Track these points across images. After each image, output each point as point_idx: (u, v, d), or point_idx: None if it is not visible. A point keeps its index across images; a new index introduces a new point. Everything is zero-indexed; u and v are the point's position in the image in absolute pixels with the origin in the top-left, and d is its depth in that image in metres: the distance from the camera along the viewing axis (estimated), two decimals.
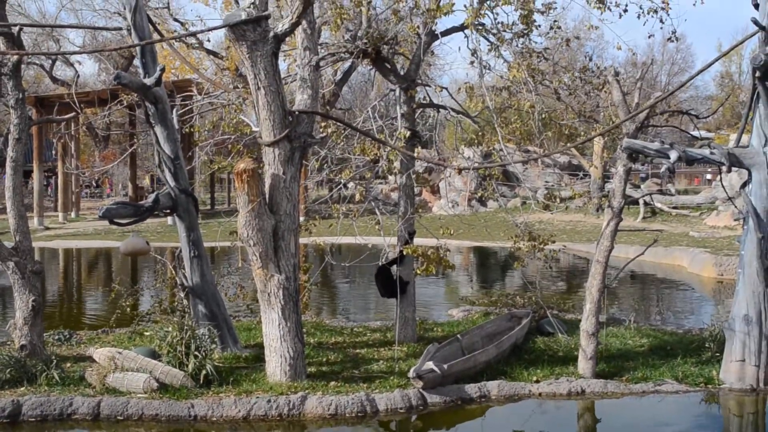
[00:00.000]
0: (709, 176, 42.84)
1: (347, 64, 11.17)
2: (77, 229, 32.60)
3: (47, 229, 32.68)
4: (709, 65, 7.87)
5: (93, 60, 50.53)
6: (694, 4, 10.92)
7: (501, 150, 9.39)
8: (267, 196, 8.52)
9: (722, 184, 10.56)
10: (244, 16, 8.05)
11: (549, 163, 39.90)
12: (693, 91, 58.80)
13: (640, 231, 26.83)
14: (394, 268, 10.29)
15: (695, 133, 11.43)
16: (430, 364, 8.36)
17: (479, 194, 11.72)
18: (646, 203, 30.61)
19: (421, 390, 8.30)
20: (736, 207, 11.83)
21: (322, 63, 9.53)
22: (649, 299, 16.09)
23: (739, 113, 54.34)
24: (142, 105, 9.41)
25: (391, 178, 17.01)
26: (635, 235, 25.28)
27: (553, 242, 10.85)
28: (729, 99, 50.07)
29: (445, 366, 8.43)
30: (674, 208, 31.78)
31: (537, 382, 8.87)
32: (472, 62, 9.60)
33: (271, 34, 8.20)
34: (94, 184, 57.78)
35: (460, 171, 8.52)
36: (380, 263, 10.31)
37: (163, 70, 9.06)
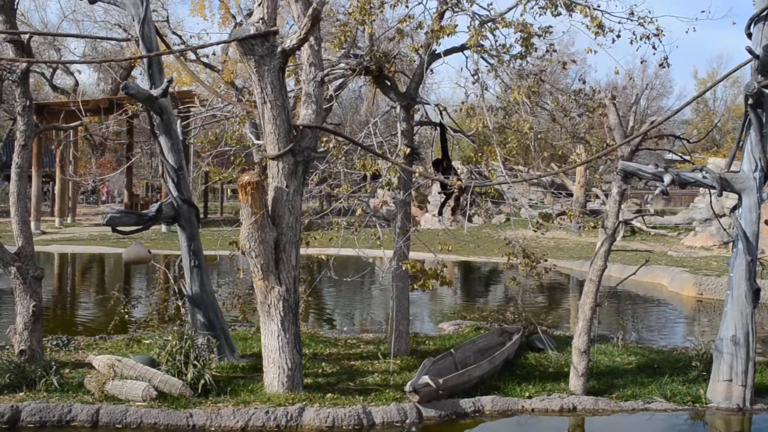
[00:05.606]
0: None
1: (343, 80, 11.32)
2: (73, 234, 32.78)
3: (44, 233, 32.75)
4: (708, 89, 8.12)
5: (92, 69, 50.96)
6: (686, 32, 11.28)
7: (498, 168, 9.56)
8: (270, 208, 8.61)
9: (712, 207, 10.84)
10: (252, 31, 8.19)
11: (534, 181, 40.28)
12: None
13: (632, 251, 27.11)
14: None
15: (676, 156, 11.81)
16: (425, 378, 8.43)
17: (473, 211, 11.88)
18: (626, 222, 31.02)
19: (416, 404, 8.41)
20: (722, 227, 12.18)
21: (325, 79, 9.68)
22: (634, 317, 16.33)
23: (713, 137, 55.18)
24: (147, 115, 9.50)
25: (379, 191, 17.15)
26: (616, 254, 25.53)
27: (545, 260, 11.04)
28: (705, 124, 51.05)
29: (441, 380, 8.53)
30: (653, 227, 32.32)
31: (529, 397, 9.00)
32: (473, 82, 9.79)
33: (279, 49, 8.34)
34: (90, 190, 57.98)
35: (461, 190, 8.69)
36: None
37: (170, 81, 9.14)
